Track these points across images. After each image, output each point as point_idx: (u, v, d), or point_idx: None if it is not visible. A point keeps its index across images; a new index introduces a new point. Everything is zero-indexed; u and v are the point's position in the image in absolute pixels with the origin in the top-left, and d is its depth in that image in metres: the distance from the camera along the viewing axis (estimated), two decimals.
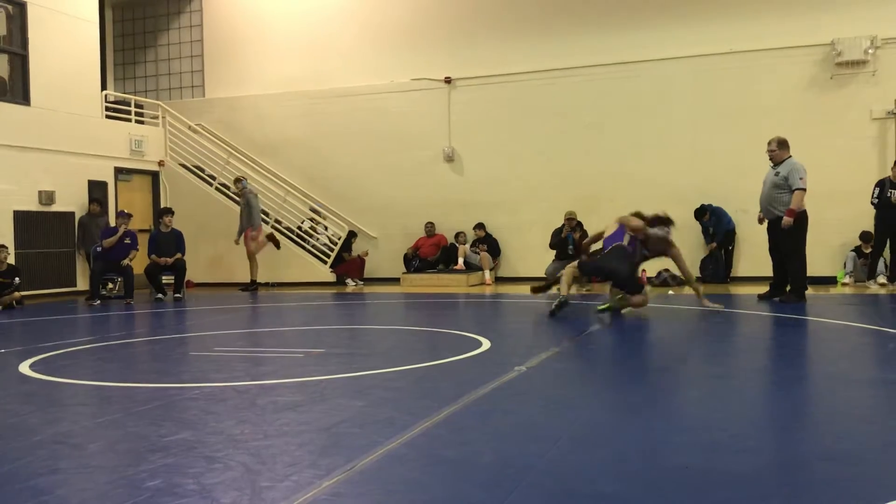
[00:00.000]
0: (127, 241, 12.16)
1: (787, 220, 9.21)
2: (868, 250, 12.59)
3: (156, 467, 3.22)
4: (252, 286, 14.11)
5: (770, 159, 9.62)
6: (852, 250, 12.72)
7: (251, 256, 14.19)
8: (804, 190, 9.31)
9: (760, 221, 9.90)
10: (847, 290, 11.65)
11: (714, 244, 13.18)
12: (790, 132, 13.27)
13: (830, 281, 12.66)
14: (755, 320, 8.04)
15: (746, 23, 13.42)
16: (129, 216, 12.50)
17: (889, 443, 3.42)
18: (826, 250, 12.83)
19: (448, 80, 15.22)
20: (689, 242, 13.51)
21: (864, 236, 12.58)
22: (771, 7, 13.35)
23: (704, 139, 13.61)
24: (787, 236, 9.38)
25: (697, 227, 13.45)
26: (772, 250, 9.83)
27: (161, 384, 5.14)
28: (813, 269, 12.85)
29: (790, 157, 9.48)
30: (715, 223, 13.22)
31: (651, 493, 2.81)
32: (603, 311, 8.49)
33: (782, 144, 9.56)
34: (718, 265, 13.25)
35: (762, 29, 13.30)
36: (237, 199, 14.58)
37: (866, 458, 3.18)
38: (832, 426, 3.76)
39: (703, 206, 13.26)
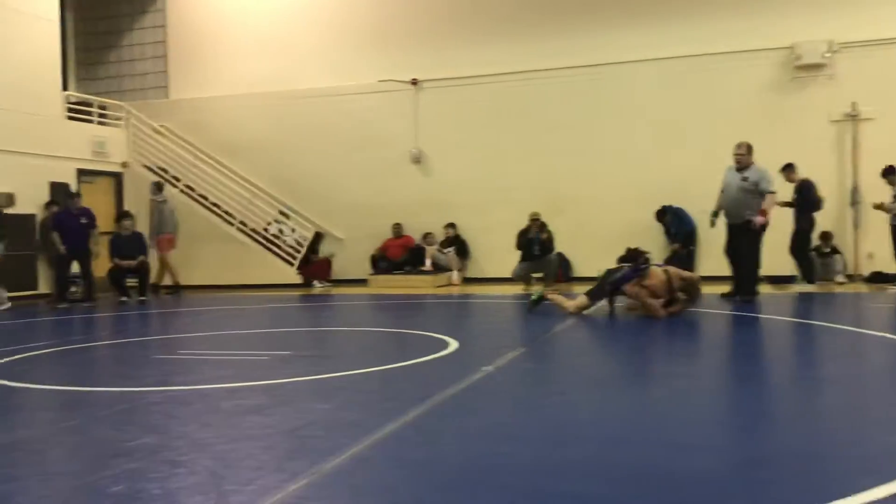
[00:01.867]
0: (83, 220, 11.96)
1: (760, 220, 9.27)
2: (828, 250, 12.84)
3: (119, 472, 3.19)
4: (174, 289, 13.98)
5: (737, 162, 9.60)
6: (812, 249, 12.94)
7: (163, 261, 14.05)
8: (775, 193, 9.61)
9: (713, 225, 9.90)
10: (808, 289, 11.83)
11: (677, 245, 13.33)
12: (751, 134, 13.47)
13: (790, 280, 12.87)
14: (718, 319, 8.15)
15: (708, 26, 13.60)
16: (78, 195, 12.33)
17: (845, 440, 3.50)
18: (786, 249, 13.05)
19: (415, 82, 15.22)
20: (652, 242, 13.68)
21: (824, 236, 12.82)
22: (732, 11, 13.54)
23: (667, 141, 13.77)
24: (751, 239, 9.45)
25: (660, 227, 13.62)
26: (729, 252, 9.92)
27: (124, 388, 5.08)
28: (773, 269, 13.09)
29: (754, 162, 9.58)
30: (676, 224, 13.38)
31: (616, 491, 2.85)
32: (533, 304, 8.73)
33: (751, 149, 9.61)
34: (682, 265, 13.39)
35: (724, 32, 13.49)
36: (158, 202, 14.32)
37: (825, 455, 3.25)
38: (792, 424, 3.83)
39: (663, 207, 13.42)
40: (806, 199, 11.55)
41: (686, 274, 8.22)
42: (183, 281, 14.63)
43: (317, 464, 3.20)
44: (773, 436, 3.58)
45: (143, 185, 15.52)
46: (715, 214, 9.80)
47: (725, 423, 3.84)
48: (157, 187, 14.22)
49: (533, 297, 8.89)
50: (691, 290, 7.90)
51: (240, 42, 16.38)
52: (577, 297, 8.60)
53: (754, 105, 13.37)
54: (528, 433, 3.67)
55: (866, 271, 12.80)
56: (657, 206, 13.47)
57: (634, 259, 8.64)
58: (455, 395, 4.49)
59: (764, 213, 9.34)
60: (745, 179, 9.40)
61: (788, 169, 11.77)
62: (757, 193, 9.36)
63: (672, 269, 8.18)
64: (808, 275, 11.69)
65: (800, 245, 11.74)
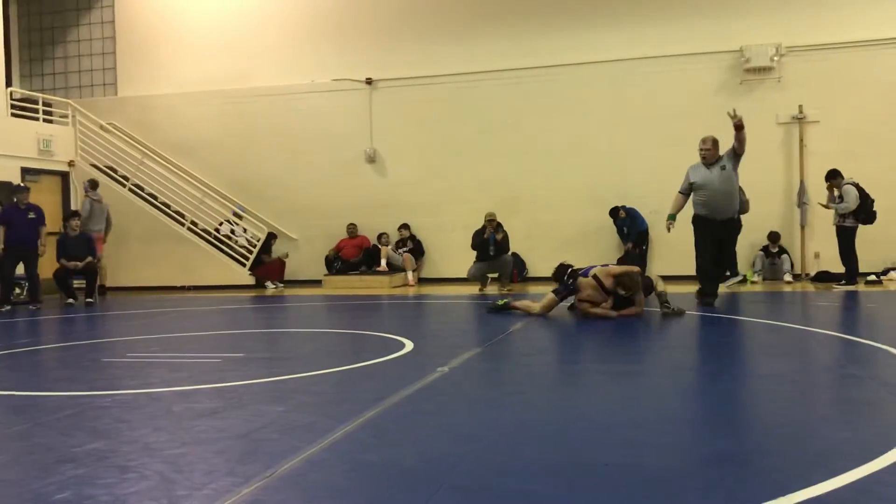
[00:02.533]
0: (31, 215, 11.60)
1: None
2: (775, 250, 13.12)
3: (65, 479, 3.10)
4: (102, 291, 13.70)
5: (703, 158, 9.16)
6: (761, 249, 13.22)
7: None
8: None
9: (670, 230, 9.41)
10: (757, 288, 12.09)
11: (630, 244, 13.49)
12: (701, 135, 13.71)
13: (741, 280, 13.13)
14: (675, 320, 8.24)
15: (660, 29, 13.81)
16: (27, 189, 11.95)
17: (800, 435, 3.56)
18: (737, 249, 13.30)
19: (369, 81, 15.16)
20: (606, 242, 13.85)
21: (772, 236, 13.10)
22: (683, 14, 13.77)
23: (620, 142, 13.94)
24: (736, 232, 9.37)
25: (613, 227, 13.77)
26: (715, 252, 9.31)
27: (71, 392, 4.95)
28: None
29: (721, 155, 9.17)
30: (629, 223, 13.55)
31: (573, 490, 2.86)
32: (495, 309, 8.73)
33: (716, 144, 9.20)
34: (634, 264, 13.57)
35: (675, 35, 13.71)
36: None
37: (779, 452, 3.30)
38: (747, 421, 3.89)
39: (616, 207, 13.58)
40: None
41: (616, 270, 8.20)
42: (130, 283, 14.36)
43: (270, 467, 3.16)
44: (727, 433, 3.63)
45: None
46: (672, 217, 9.36)
47: (680, 421, 3.88)
48: (92, 185, 13.90)
49: (499, 303, 8.85)
50: (627, 282, 7.85)
51: (191, 39, 16.14)
52: (543, 297, 8.58)
53: (704, 107, 13.57)
54: (484, 433, 3.67)
55: (813, 271, 13.11)
56: (610, 206, 13.62)
57: (559, 278, 8.65)
58: (410, 396, 4.47)
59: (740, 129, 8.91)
60: (724, 168, 8.98)
61: None
62: (737, 176, 9.09)
63: (600, 271, 8.13)
64: (733, 271, 12.09)
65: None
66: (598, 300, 7.97)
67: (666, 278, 11.08)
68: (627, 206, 13.59)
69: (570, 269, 8.56)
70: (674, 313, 8.03)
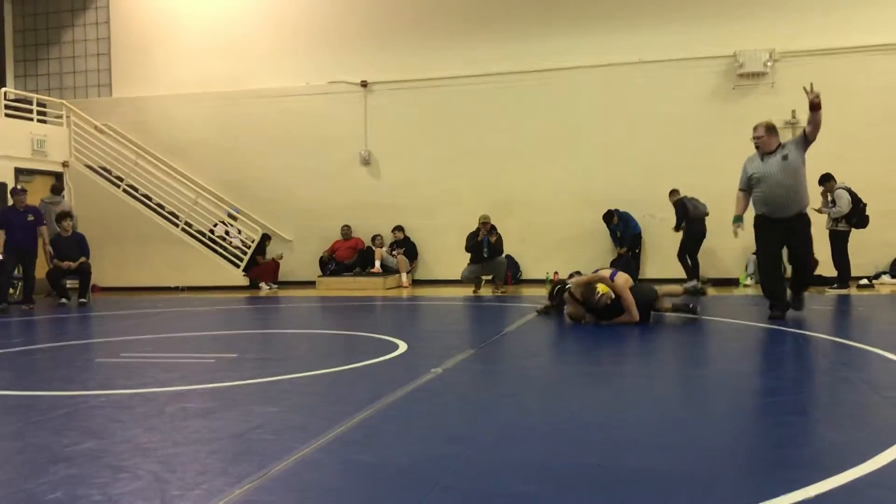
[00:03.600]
0: (30, 217, 11.57)
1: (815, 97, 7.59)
2: None
3: (58, 479, 3.10)
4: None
5: (756, 148, 7.90)
6: (753, 253, 13.23)
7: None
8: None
9: (737, 235, 8.21)
10: (749, 291, 12.12)
11: (624, 248, 13.52)
12: (695, 140, 13.84)
13: (733, 282, 13.17)
14: (667, 322, 8.26)
15: (654, 34, 13.85)
16: (24, 191, 11.91)
17: (792, 438, 3.57)
18: (729, 253, 13.37)
19: (364, 84, 15.17)
20: (600, 245, 13.88)
21: None
22: (677, 19, 13.81)
23: (614, 146, 13.97)
24: (807, 231, 7.86)
25: (607, 230, 13.79)
26: (776, 254, 7.98)
27: (65, 392, 4.94)
28: (717, 271, 13.41)
29: (781, 143, 7.91)
30: (623, 227, 13.58)
31: (565, 491, 2.86)
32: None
33: (773, 130, 7.90)
34: (628, 268, 13.61)
35: (669, 40, 13.75)
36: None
37: (771, 454, 3.32)
38: (739, 423, 3.90)
39: (610, 210, 13.60)
40: (681, 215, 12.68)
41: (582, 279, 7.98)
42: (124, 283, 14.33)
43: (263, 467, 3.16)
44: (719, 434, 3.64)
45: (85, 185, 15.21)
46: (738, 220, 8.11)
47: (672, 422, 3.89)
48: (55, 190, 13.91)
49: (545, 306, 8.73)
50: (584, 292, 7.65)
51: (186, 40, 16.13)
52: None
53: (698, 112, 13.65)
54: (476, 435, 3.67)
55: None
56: (604, 210, 13.64)
57: (550, 296, 8.59)
58: (404, 397, 4.48)
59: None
60: (785, 158, 7.65)
61: (674, 193, 12.91)
62: (803, 168, 7.78)
63: (572, 285, 7.99)
64: (691, 275, 12.31)
65: (685, 250, 12.64)
66: (580, 314, 7.87)
67: (657, 281, 11.14)
68: (621, 210, 13.62)
69: (558, 287, 8.44)
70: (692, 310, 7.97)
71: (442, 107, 14.75)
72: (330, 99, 15.28)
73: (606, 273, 7.89)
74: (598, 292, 7.52)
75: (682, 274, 12.56)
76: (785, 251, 8.01)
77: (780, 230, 7.72)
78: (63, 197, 14.21)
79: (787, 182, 7.64)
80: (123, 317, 10.30)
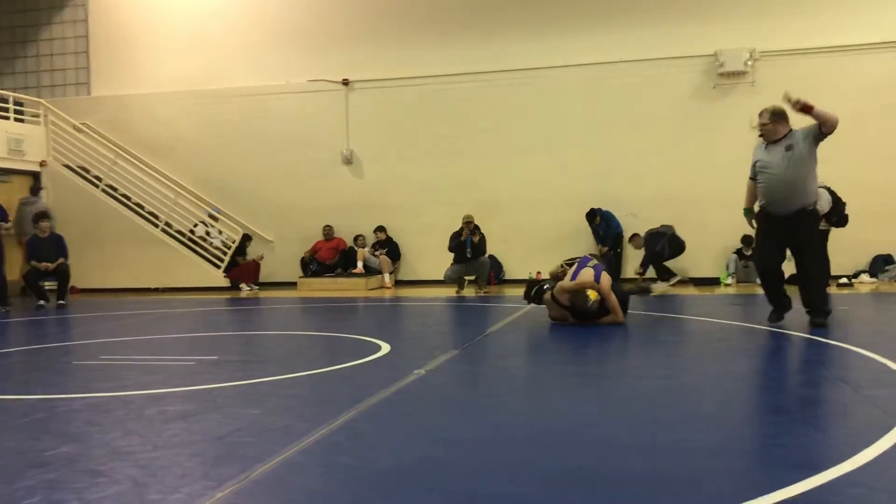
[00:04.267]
0: None
1: (804, 102, 6.70)
2: (749, 252, 13.24)
3: (34, 484, 3.05)
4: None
5: (761, 136, 7.30)
6: (734, 252, 13.34)
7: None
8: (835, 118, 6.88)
9: (753, 226, 7.46)
10: (730, 291, 12.20)
11: (606, 248, 13.56)
12: (676, 139, 13.90)
13: (714, 282, 13.25)
14: (650, 321, 8.29)
15: (635, 33, 13.90)
16: None
17: (772, 437, 3.59)
18: (709, 252, 13.47)
19: (346, 83, 15.12)
20: (582, 245, 13.90)
21: (746, 239, 13.21)
22: (658, 18, 13.87)
23: (596, 145, 14.01)
24: (812, 230, 7.11)
25: (589, 230, 13.83)
26: (773, 258, 7.27)
27: (42, 395, 4.88)
28: (698, 271, 13.48)
29: (791, 129, 7.15)
30: (605, 227, 13.62)
31: (548, 492, 2.86)
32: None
33: (780, 116, 7.17)
34: (610, 267, 13.66)
35: (650, 39, 13.81)
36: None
37: (751, 453, 3.33)
38: (719, 423, 3.91)
39: (592, 209, 13.63)
40: (651, 256, 12.74)
41: (569, 285, 7.79)
42: (103, 284, 14.21)
43: (245, 470, 3.13)
44: (700, 434, 3.65)
45: (63, 185, 15.06)
46: (749, 212, 7.45)
47: (654, 423, 3.89)
48: (33, 191, 13.86)
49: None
50: (574, 299, 7.60)
51: (165, 38, 16.00)
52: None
53: (679, 111, 13.72)
54: (460, 435, 3.66)
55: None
56: (586, 209, 13.67)
57: (526, 295, 8.42)
58: (387, 399, 4.46)
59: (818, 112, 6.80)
60: (789, 149, 6.94)
61: (635, 238, 13.23)
62: (812, 161, 6.94)
63: (557, 289, 7.88)
64: (661, 274, 12.52)
65: (651, 252, 12.79)
66: (563, 316, 7.80)
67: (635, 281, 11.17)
68: (603, 209, 13.66)
69: (535, 288, 8.33)
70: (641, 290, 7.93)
71: (424, 106, 14.73)
72: (311, 97, 15.21)
73: (590, 274, 7.82)
74: (590, 299, 7.53)
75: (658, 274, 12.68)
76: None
77: (779, 227, 7.03)
78: (41, 197, 14.07)
79: (788, 175, 6.92)
80: (102, 318, 10.20)
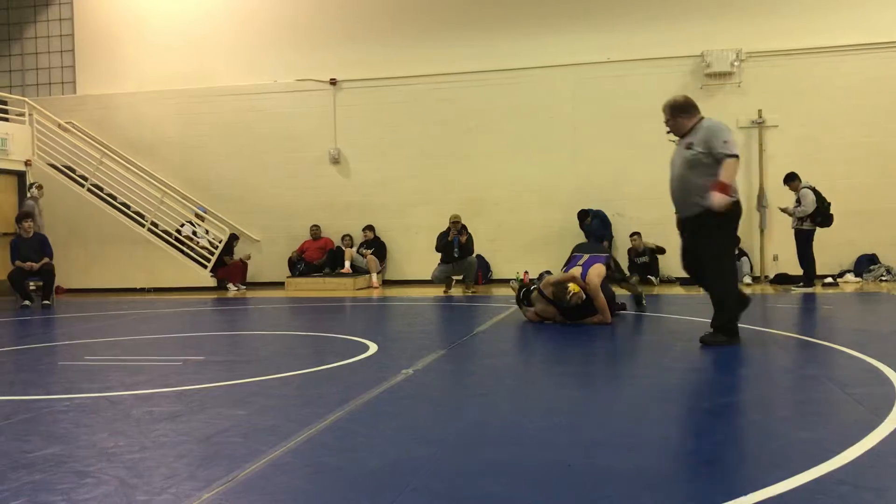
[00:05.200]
0: None
1: (719, 199, 5.92)
2: (735, 252, 13.30)
3: (20, 485, 3.03)
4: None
5: (671, 133, 6.64)
6: None
7: None
8: (737, 157, 6.15)
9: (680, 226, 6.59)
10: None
11: (605, 241, 13.57)
12: (664, 139, 13.86)
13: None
14: (636, 321, 8.32)
15: (622, 33, 13.95)
16: None
17: (759, 436, 3.61)
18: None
19: (333, 82, 15.09)
20: (569, 244, 13.85)
21: None
22: (645, 19, 13.93)
23: (584, 145, 14.05)
24: (710, 235, 6.18)
25: (577, 229, 13.85)
26: (689, 264, 6.60)
27: (27, 396, 4.84)
28: (682, 271, 13.51)
29: (702, 117, 6.47)
30: (598, 226, 13.64)
31: (536, 491, 2.86)
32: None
33: (680, 109, 6.49)
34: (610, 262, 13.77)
35: (637, 39, 13.86)
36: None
37: (738, 452, 3.35)
38: (706, 421, 3.93)
39: (583, 210, 13.66)
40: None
41: (552, 279, 7.88)
42: (89, 285, 14.13)
43: (232, 471, 3.12)
44: (687, 434, 3.67)
45: (49, 184, 14.93)
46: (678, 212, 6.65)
47: (641, 421, 3.91)
48: (39, 187, 13.84)
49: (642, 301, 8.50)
50: (555, 291, 7.57)
51: (152, 36, 15.92)
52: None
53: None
54: (448, 435, 3.66)
55: (772, 273, 13.33)
56: (574, 209, 13.70)
57: (518, 298, 8.48)
58: (374, 399, 4.45)
59: (724, 186, 5.98)
60: (689, 147, 6.27)
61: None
62: (711, 163, 6.11)
63: (543, 283, 7.91)
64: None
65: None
66: (549, 313, 7.81)
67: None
68: (593, 209, 13.70)
69: (524, 290, 8.37)
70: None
71: (412, 106, 14.73)
72: (298, 97, 15.18)
73: (578, 271, 7.83)
74: (570, 291, 7.49)
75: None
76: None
77: (685, 230, 6.48)
78: (30, 197, 13.89)
79: (680, 173, 6.32)
80: (88, 319, 10.14)
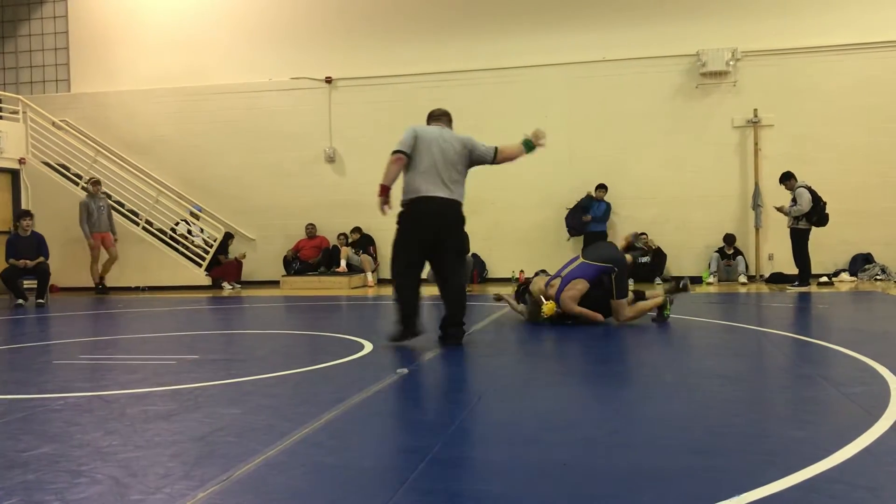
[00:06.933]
0: None
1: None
2: (731, 251, 13.33)
3: (13, 485, 3.01)
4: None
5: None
6: (716, 251, 13.43)
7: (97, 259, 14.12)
8: (398, 152, 6.75)
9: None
10: (711, 289, 12.27)
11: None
12: (659, 138, 13.96)
13: (697, 280, 13.32)
14: (635, 323, 8.31)
15: (618, 32, 13.96)
16: None
17: (754, 435, 3.61)
18: (691, 251, 13.55)
19: (329, 80, 15.07)
20: (565, 244, 13.93)
21: (728, 238, 13.31)
22: (641, 18, 13.93)
23: (578, 143, 14.05)
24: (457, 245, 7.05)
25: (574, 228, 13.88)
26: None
27: (20, 395, 4.82)
28: (680, 270, 13.55)
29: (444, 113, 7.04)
30: (605, 210, 13.67)
31: (532, 490, 2.86)
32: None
33: (437, 118, 6.91)
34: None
35: (632, 39, 13.88)
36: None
37: (733, 451, 3.34)
38: (701, 421, 3.93)
39: (589, 194, 13.73)
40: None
41: (534, 290, 7.96)
42: (84, 283, 14.12)
43: (227, 470, 3.11)
44: (682, 433, 3.66)
45: (42, 182, 14.90)
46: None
47: (636, 421, 3.91)
48: (96, 183, 14.13)
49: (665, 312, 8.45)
50: (531, 311, 7.81)
51: (147, 34, 15.88)
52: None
53: (662, 110, 13.79)
54: (442, 434, 3.65)
55: (767, 272, 13.35)
56: (569, 207, 13.71)
57: (519, 298, 8.48)
58: (369, 398, 4.44)
59: (383, 189, 6.83)
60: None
61: None
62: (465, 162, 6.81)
63: (531, 286, 8.02)
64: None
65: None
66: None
67: None
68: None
69: (522, 287, 8.40)
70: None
71: (407, 104, 14.69)
72: (293, 95, 15.16)
73: (557, 284, 7.73)
74: (544, 314, 7.59)
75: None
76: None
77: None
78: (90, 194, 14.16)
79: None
80: (82, 317, 10.11)
